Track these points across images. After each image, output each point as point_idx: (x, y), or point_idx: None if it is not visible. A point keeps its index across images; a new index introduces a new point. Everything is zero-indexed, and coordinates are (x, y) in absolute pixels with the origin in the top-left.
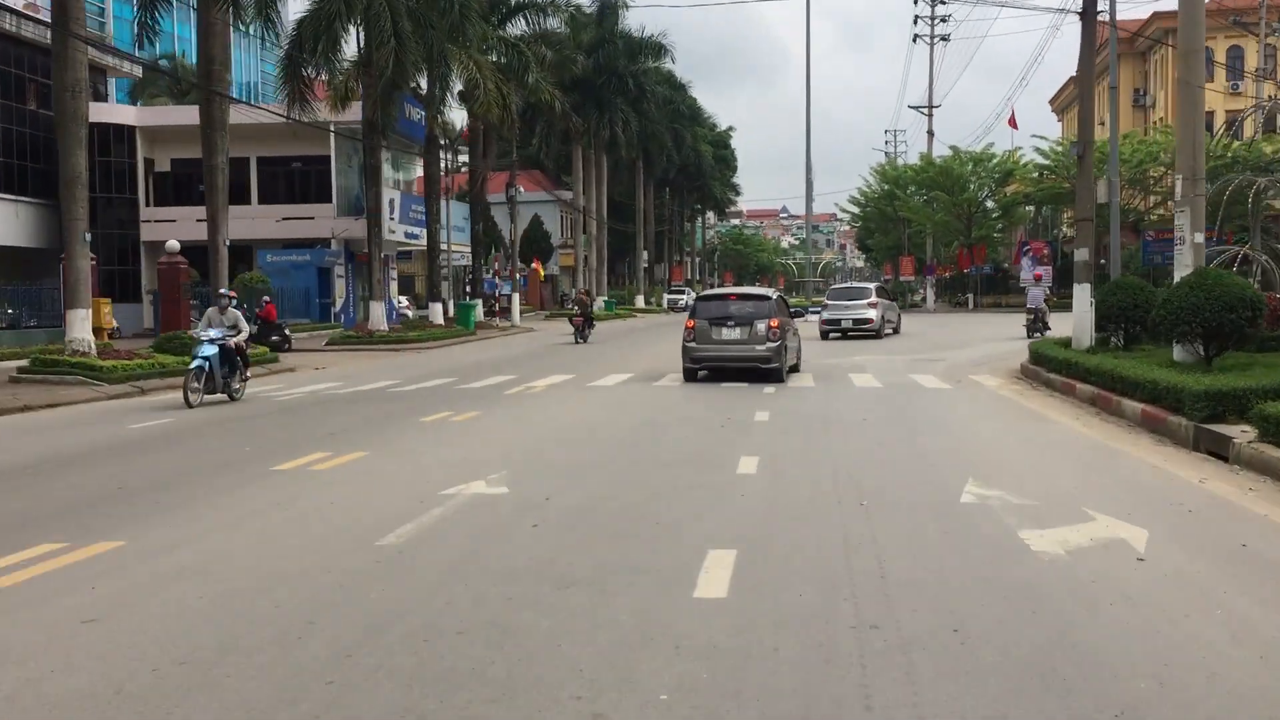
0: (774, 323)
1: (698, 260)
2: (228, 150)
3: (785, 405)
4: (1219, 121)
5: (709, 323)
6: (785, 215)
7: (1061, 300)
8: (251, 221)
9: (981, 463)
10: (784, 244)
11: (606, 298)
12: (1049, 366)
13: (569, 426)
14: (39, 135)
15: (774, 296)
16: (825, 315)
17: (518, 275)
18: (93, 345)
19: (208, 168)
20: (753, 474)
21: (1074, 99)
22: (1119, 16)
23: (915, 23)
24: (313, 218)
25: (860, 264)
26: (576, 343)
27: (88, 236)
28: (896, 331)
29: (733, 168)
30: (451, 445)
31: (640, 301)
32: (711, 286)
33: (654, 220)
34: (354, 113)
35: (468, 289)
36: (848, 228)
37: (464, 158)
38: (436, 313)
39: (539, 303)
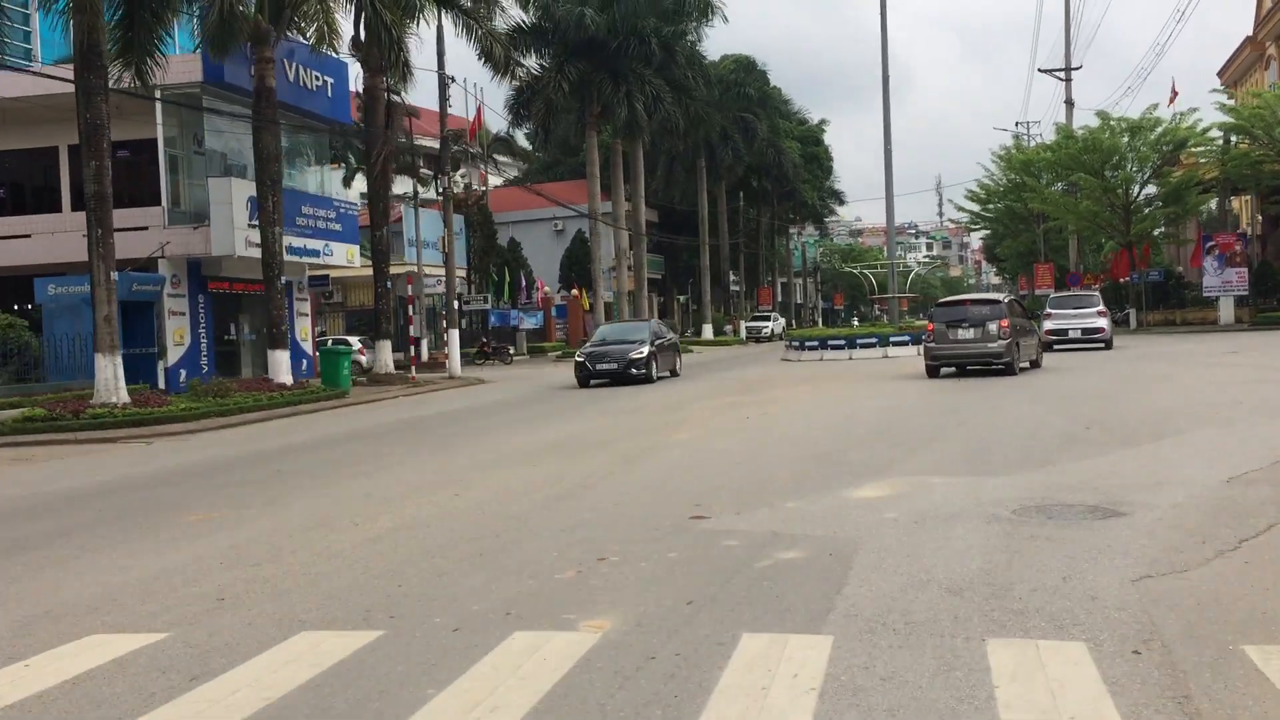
0: (1004, 323)
1: (803, 281)
2: None
3: None
4: None
5: (946, 325)
6: (912, 230)
7: (1264, 315)
8: (54, 239)
9: None
10: (912, 261)
11: None
12: None
13: None
14: None
15: (1005, 300)
16: (1049, 325)
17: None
18: None
19: None
20: None
21: (1252, 65)
22: None
23: None
24: (145, 228)
25: (995, 279)
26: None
27: None
28: (1108, 346)
29: (826, 168)
30: None
31: (708, 332)
32: (813, 311)
33: (728, 232)
34: (192, 70)
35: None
36: (980, 241)
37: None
38: (279, 365)
39: (582, 335)
